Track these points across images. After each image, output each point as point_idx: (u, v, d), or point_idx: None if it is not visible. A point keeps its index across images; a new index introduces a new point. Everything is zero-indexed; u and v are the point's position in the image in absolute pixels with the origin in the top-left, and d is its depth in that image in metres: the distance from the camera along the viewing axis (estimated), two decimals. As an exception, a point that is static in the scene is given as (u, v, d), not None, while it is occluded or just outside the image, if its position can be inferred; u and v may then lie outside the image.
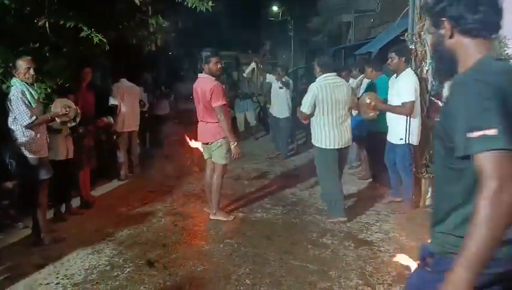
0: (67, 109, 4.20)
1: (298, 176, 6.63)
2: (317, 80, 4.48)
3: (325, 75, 4.42)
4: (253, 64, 8.09)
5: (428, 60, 5.10)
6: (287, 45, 22.11)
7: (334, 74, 4.54)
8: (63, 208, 4.83)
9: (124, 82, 6.51)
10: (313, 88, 4.39)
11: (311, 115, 4.46)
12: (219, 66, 4.53)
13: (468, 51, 1.44)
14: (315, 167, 4.64)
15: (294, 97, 8.69)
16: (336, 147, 4.43)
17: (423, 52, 5.07)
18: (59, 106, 4.19)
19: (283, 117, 7.89)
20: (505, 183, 1.20)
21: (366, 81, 6.12)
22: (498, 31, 1.46)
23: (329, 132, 4.39)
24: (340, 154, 4.54)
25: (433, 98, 5.46)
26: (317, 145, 4.51)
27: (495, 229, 1.20)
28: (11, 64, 4.12)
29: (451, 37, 1.46)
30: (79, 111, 4.43)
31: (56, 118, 4.16)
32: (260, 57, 12.69)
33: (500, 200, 1.19)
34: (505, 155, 1.21)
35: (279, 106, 7.95)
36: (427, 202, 4.81)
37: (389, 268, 3.43)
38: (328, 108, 4.36)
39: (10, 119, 3.84)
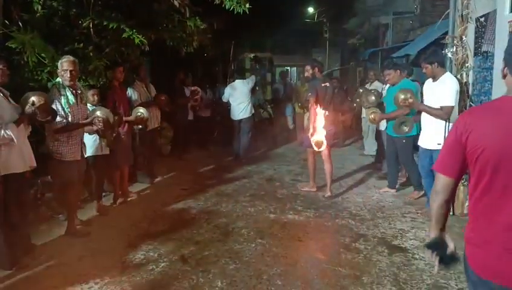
0: (100, 124, 4.12)
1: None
2: None
3: None
4: None
5: (470, 64, 4.93)
6: (322, 47, 21.95)
7: None
8: (101, 202, 5.00)
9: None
10: None
11: None
12: None
13: None
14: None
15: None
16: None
17: (464, 55, 4.91)
18: (95, 116, 4.12)
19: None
20: None
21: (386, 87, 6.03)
22: None
23: None
24: None
25: (472, 104, 5.28)
26: None
27: None
28: (57, 64, 4.30)
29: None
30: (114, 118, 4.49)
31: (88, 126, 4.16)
32: None
33: None
34: None
35: None
36: (465, 210, 4.66)
37: (423, 276, 3.35)
38: None
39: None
